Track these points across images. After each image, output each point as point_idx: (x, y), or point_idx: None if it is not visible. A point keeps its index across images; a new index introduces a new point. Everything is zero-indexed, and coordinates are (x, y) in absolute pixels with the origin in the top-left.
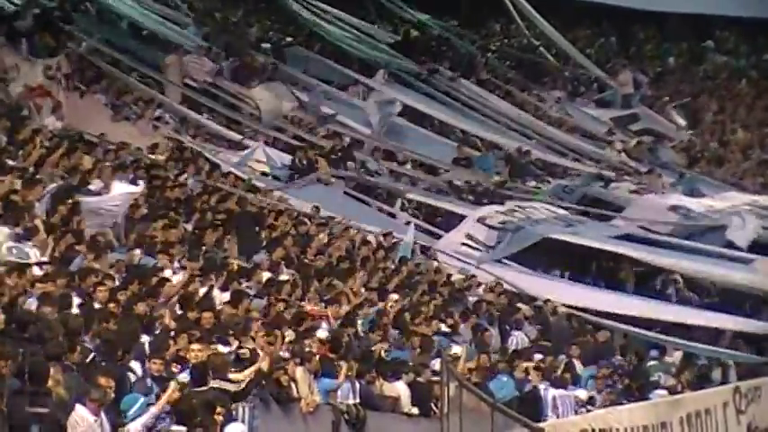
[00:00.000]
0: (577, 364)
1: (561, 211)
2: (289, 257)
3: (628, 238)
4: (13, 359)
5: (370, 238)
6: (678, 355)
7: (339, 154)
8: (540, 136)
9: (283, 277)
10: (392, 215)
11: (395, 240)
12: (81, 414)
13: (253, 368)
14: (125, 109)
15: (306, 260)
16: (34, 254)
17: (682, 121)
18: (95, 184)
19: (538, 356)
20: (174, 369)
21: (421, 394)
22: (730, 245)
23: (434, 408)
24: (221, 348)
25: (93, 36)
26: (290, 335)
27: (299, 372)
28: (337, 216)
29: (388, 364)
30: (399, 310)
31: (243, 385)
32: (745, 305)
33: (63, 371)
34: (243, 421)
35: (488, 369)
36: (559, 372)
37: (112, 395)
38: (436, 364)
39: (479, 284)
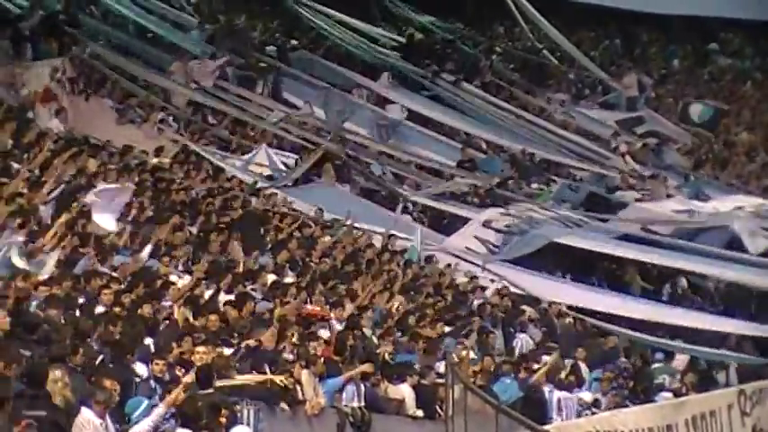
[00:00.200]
0: (583, 367)
1: (564, 212)
2: (293, 260)
3: (629, 239)
4: (18, 362)
5: (375, 240)
6: (683, 357)
7: (344, 157)
8: (544, 138)
9: (288, 280)
10: (394, 212)
11: (401, 249)
12: (87, 417)
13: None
14: (130, 112)
15: (311, 263)
16: (50, 267)
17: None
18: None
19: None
20: (179, 372)
21: (426, 397)
22: (731, 245)
23: (439, 410)
24: (226, 351)
25: (98, 40)
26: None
27: (304, 374)
28: (341, 217)
29: (393, 366)
30: (404, 313)
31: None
32: (750, 307)
33: (69, 373)
34: (248, 424)
35: (493, 371)
36: (564, 374)
37: (117, 398)
38: (441, 366)
39: (484, 288)
